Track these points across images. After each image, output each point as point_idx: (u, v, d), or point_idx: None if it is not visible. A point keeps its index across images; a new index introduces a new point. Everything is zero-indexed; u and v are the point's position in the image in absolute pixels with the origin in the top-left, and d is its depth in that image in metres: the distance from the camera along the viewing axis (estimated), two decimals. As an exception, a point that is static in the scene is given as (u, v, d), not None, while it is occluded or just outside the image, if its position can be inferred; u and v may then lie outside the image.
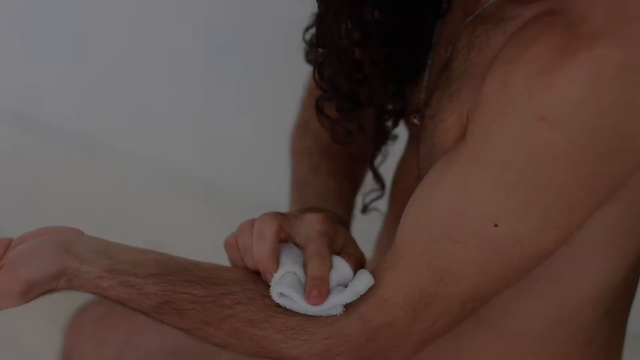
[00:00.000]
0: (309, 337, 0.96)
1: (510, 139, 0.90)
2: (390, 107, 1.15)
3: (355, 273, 0.99)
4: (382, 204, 1.24)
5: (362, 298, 0.97)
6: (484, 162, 0.92)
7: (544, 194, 0.91)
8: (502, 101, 0.91)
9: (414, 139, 1.14)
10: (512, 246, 0.93)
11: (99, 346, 1.32)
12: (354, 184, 1.24)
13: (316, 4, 1.02)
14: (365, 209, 1.27)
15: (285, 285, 0.96)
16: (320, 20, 1.02)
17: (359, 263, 1.02)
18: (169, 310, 0.96)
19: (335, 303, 0.96)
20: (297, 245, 1.02)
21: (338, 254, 1.01)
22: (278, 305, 0.97)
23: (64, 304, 1.90)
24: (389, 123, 1.17)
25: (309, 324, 0.96)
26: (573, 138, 0.89)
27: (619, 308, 1.08)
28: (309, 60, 1.16)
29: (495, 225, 0.92)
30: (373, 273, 0.99)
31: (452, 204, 0.94)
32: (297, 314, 0.96)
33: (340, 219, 1.11)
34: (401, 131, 1.20)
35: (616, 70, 0.87)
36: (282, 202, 2.11)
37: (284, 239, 1.01)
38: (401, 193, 1.16)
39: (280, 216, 1.01)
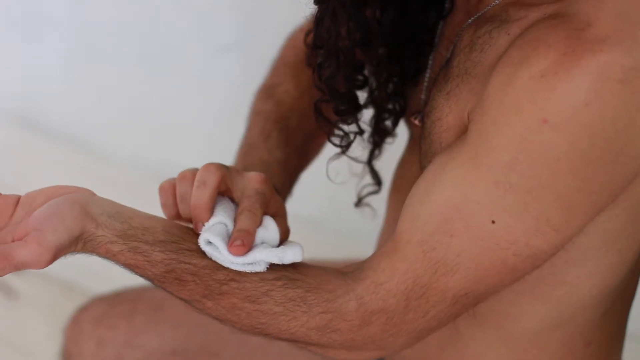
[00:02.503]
0: (308, 309, 0.97)
1: (511, 140, 0.90)
2: (389, 106, 1.15)
3: (280, 241, 1.00)
4: (382, 206, 1.24)
5: (360, 279, 0.98)
6: (484, 161, 0.92)
7: (542, 195, 0.91)
8: (504, 102, 0.91)
9: (415, 140, 1.14)
10: (508, 244, 0.93)
11: (99, 346, 1.32)
12: (302, 161, 1.23)
13: (314, 5, 1.02)
14: (359, 202, 1.27)
15: (214, 234, 0.96)
16: (319, 22, 1.02)
17: (285, 235, 1.02)
18: (171, 279, 0.96)
19: (258, 258, 0.96)
20: (232, 200, 1.02)
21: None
22: (276, 279, 0.97)
23: (64, 304, 1.91)
24: (388, 122, 1.17)
25: (310, 296, 0.97)
26: (574, 141, 0.89)
27: (618, 309, 1.08)
28: (309, 64, 1.16)
29: (493, 222, 0.93)
30: (373, 255, 1.00)
31: (450, 199, 0.94)
32: (297, 286, 0.97)
33: (277, 191, 1.10)
34: (401, 131, 1.20)
35: (621, 75, 0.87)
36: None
37: (222, 192, 1.01)
38: (401, 194, 1.16)
39: (223, 168, 1.01)
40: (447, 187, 0.94)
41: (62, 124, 2.34)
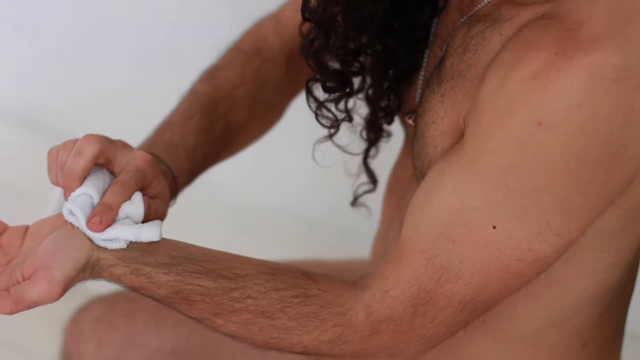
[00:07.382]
0: (320, 324, 0.97)
1: (507, 143, 0.90)
2: (384, 104, 1.15)
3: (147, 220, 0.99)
4: (378, 205, 1.24)
5: (366, 286, 0.98)
6: (481, 165, 0.92)
7: (541, 198, 0.91)
8: (499, 105, 0.91)
9: (409, 141, 1.14)
10: (511, 249, 0.93)
11: (99, 346, 1.32)
12: (218, 151, 1.21)
13: None
14: (355, 202, 1.27)
15: (77, 205, 0.95)
16: None
17: (155, 216, 1.02)
18: (179, 300, 0.97)
19: (114, 235, 0.95)
20: (114, 174, 1.01)
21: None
22: (294, 297, 0.97)
23: (64, 304, 1.91)
24: (383, 121, 1.17)
25: (324, 312, 0.97)
26: (569, 142, 0.89)
27: (616, 309, 1.08)
28: (301, 52, 1.14)
29: (494, 227, 0.93)
30: (379, 264, 1.00)
31: (450, 205, 0.94)
32: (312, 302, 0.97)
33: (173, 176, 1.10)
34: (398, 130, 1.20)
35: (613, 74, 0.87)
36: (283, 203, 2.11)
37: (104, 164, 1.00)
38: (395, 195, 1.16)
39: (105, 140, 1.00)
40: (446, 193, 0.94)
41: (62, 124, 2.34)
